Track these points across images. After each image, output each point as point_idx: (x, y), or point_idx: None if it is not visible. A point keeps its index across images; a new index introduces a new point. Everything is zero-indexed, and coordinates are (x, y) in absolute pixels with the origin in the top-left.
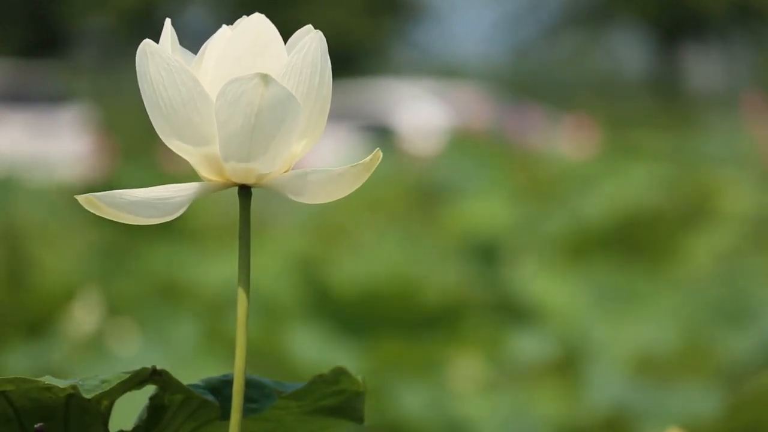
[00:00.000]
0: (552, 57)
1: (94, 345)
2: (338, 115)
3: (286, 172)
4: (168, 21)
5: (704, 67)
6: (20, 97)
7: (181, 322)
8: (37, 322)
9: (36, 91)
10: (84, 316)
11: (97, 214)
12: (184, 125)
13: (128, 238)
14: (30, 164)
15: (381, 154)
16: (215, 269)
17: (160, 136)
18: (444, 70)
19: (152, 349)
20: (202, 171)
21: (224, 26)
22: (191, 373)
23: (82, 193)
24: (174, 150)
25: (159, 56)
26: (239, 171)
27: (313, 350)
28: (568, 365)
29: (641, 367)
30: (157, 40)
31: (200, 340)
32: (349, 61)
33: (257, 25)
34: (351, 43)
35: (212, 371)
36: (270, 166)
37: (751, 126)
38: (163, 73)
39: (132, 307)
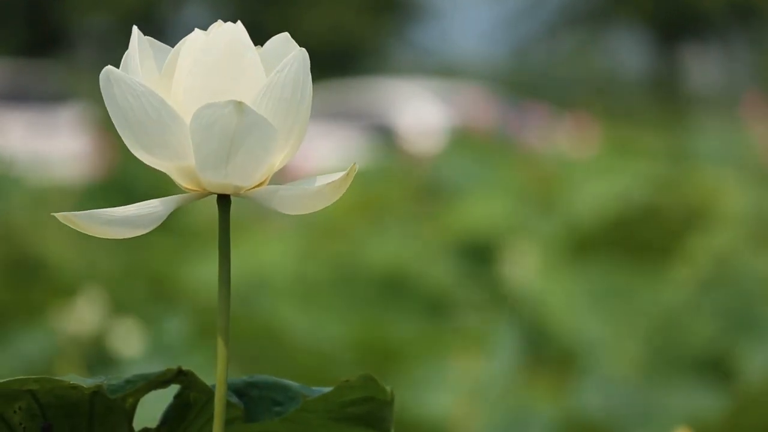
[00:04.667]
0: (552, 56)
1: (95, 343)
2: (338, 114)
3: (263, 183)
4: (135, 29)
5: (703, 67)
6: (20, 97)
7: (176, 320)
8: (38, 320)
9: (35, 91)
10: (86, 315)
11: (76, 229)
12: (156, 144)
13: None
14: (29, 163)
15: (357, 168)
16: (210, 267)
17: (133, 152)
18: (444, 70)
19: (148, 347)
20: (179, 181)
21: (197, 30)
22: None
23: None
24: (148, 164)
25: (124, 83)
26: (216, 184)
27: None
28: (566, 365)
29: (638, 367)
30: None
31: (195, 339)
32: (349, 61)
33: (231, 33)
34: (351, 43)
35: (206, 370)
36: (248, 181)
37: (749, 125)
38: (130, 98)
39: (132, 305)
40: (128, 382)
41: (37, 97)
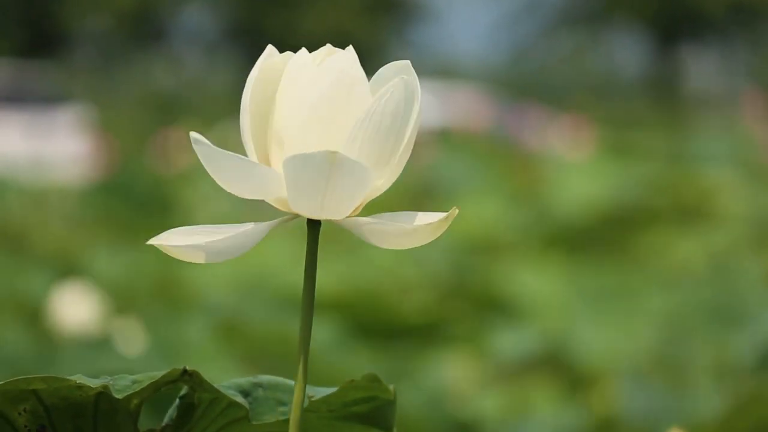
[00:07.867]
0: (550, 57)
1: (100, 343)
2: None
3: (358, 210)
4: (270, 47)
5: (702, 67)
6: (17, 98)
7: (185, 322)
8: (41, 321)
9: (33, 92)
10: (89, 315)
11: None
12: (250, 190)
13: (126, 237)
14: (28, 165)
15: (457, 211)
16: (220, 268)
17: (224, 188)
18: (442, 71)
19: (156, 348)
20: (272, 203)
21: (304, 51)
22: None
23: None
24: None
25: (209, 149)
26: (309, 214)
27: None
28: (559, 364)
29: (631, 366)
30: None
31: (204, 340)
32: None
33: (341, 64)
34: (349, 43)
35: (217, 370)
36: (340, 215)
37: (748, 125)
38: (220, 158)
39: (136, 307)
40: (134, 382)
41: (36, 98)
